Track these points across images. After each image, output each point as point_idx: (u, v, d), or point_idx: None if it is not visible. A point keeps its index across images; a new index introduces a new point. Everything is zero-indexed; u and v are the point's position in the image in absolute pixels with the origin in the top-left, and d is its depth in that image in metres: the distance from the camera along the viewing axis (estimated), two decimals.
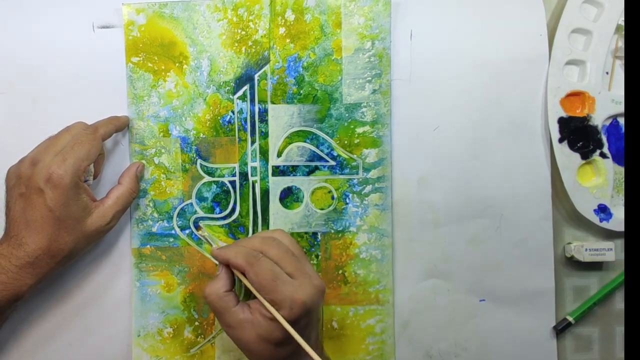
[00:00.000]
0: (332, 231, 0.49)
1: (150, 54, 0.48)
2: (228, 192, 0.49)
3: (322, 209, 0.49)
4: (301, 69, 0.48)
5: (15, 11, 0.47)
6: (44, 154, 0.43)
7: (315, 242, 0.50)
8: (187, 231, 0.50)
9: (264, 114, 0.49)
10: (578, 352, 0.51)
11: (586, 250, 0.49)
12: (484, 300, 0.49)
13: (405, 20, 0.48)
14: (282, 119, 0.49)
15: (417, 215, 0.49)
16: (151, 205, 0.49)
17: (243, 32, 0.48)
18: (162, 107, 0.49)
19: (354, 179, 0.49)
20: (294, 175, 0.49)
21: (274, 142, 0.49)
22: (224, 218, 0.49)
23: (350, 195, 0.49)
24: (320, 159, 0.49)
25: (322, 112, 0.48)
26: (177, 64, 0.48)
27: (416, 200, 0.49)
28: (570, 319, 0.50)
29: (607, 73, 0.49)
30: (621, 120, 0.50)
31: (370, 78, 0.48)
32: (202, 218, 0.49)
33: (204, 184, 0.49)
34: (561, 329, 0.50)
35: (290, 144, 0.49)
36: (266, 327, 0.40)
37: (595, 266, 0.51)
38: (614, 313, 0.52)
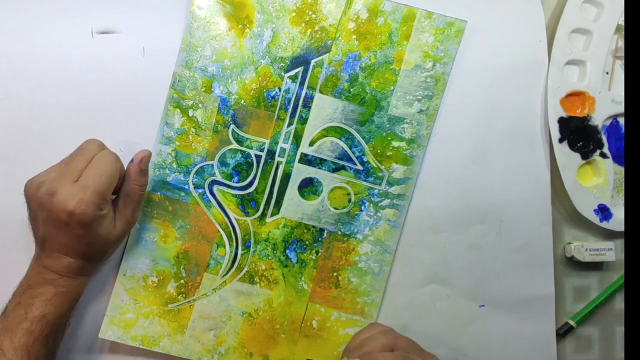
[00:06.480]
0: (339, 233, 0.49)
1: (218, 5, 0.47)
2: (251, 164, 0.48)
3: (336, 209, 0.49)
4: (358, 68, 0.48)
5: (13, 17, 0.47)
6: (60, 183, 0.40)
7: (320, 238, 0.49)
8: (200, 190, 0.48)
9: (309, 100, 0.48)
10: (578, 352, 0.51)
11: (586, 250, 0.49)
12: (483, 305, 0.49)
13: None
14: (325, 110, 0.48)
15: (417, 221, 0.49)
16: (173, 154, 0.48)
17: (313, 15, 0.47)
18: (213, 63, 0.47)
19: (376, 189, 0.49)
20: (319, 168, 0.49)
21: (311, 130, 0.48)
22: (240, 189, 0.49)
23: (367, 203, 0.49)
24: (350, 160, 0.49)
25: (365, 116, 0.48)
26: (240, 26, 0.47)
27: (416, 206, 0.49)
28: (572, 322, 0.50)
29: (607, 73, 0.49)
30: (621, 120, 0.50)
31: (420, 97, 0.48)
32: (219, 182, 0.48)
33: (230, 149, 0.48)
34: (563, 333, 0.50)
35: (325, 136, 0.48)
36: None
37: (595, 266, 0.51)
38: (614, 313, 0.52)
